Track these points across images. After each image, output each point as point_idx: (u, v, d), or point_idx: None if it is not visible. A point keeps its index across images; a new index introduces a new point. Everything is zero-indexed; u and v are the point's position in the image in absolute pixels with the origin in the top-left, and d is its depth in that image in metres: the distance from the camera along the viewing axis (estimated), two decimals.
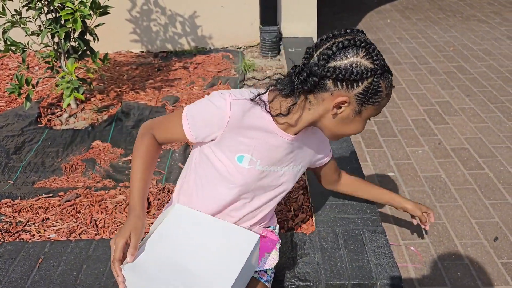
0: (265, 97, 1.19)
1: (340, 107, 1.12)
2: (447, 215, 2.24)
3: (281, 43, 3.70)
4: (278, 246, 1.42)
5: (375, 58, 1.07)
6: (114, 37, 3.71)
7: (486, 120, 3.04)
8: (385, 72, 1.09)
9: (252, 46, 3.86)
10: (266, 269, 1.36)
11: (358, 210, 1.77)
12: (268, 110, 1.17)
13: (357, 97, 1.10)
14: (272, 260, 1.38)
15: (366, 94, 1.09)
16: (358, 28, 1.13)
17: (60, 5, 2.48)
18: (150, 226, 1.73)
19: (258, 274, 1.34)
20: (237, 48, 3.85)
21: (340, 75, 1.06)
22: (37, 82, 2.61)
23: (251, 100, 1.16)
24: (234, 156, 1.21)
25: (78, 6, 2.35)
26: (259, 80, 1.28)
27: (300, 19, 3.72)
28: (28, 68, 2.60)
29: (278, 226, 1.52)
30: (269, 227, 1.46)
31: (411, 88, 3.49)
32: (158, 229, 1.22)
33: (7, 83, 3.18)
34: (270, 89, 1.20)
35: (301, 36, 3.77)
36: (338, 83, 1.08)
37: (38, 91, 3.00)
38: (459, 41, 4.40)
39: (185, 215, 1.25)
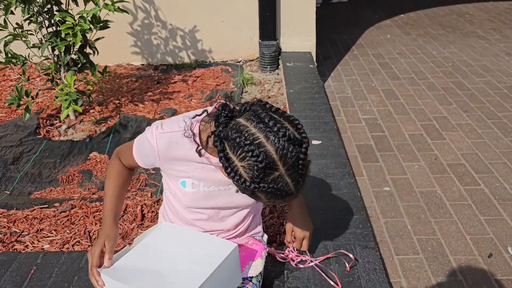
0: (195, 129, 1.20)
1: None
2: (441, 230, 2.23)
3: (280, 57, 3.73)
4: (264, 254, 1.44)
5: (256, 175, 1.01)
6: (116, 49, 3.76)
7: (483, 136, 3.04)
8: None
9: (252, 60, 3.89)
10: (251, 277, 1.38)
11: (350, 225, 1.77)
12: (197, 141, 1.19)
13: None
14: (256, 267, 1.40)
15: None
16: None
17: (61, 19, 2.52)
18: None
19: (243, 283, 1.36)
20: (237, 62, 3.89)
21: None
22: (37, 94, 2.65)
23: (181, 131, 1.19)
24: (178, 181, 1.31)
25: (78, 20, 2.39)
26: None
27: (299, 34, 3.76)
28: (28, 80, 2.63)
29: (266, 236, 1.55)
30: (255, 236, 1.49)
31: (409, 103, 3.51)
32: (142, 242, 1.29)
33: (8, 94, 3.22)
34: (201, 120, 1.21)
35: (300, 51, 3.81)
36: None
37: (38, 102, 3.04)
38: (458, 57, 4.43)
39: (169, 230, 1.34)
